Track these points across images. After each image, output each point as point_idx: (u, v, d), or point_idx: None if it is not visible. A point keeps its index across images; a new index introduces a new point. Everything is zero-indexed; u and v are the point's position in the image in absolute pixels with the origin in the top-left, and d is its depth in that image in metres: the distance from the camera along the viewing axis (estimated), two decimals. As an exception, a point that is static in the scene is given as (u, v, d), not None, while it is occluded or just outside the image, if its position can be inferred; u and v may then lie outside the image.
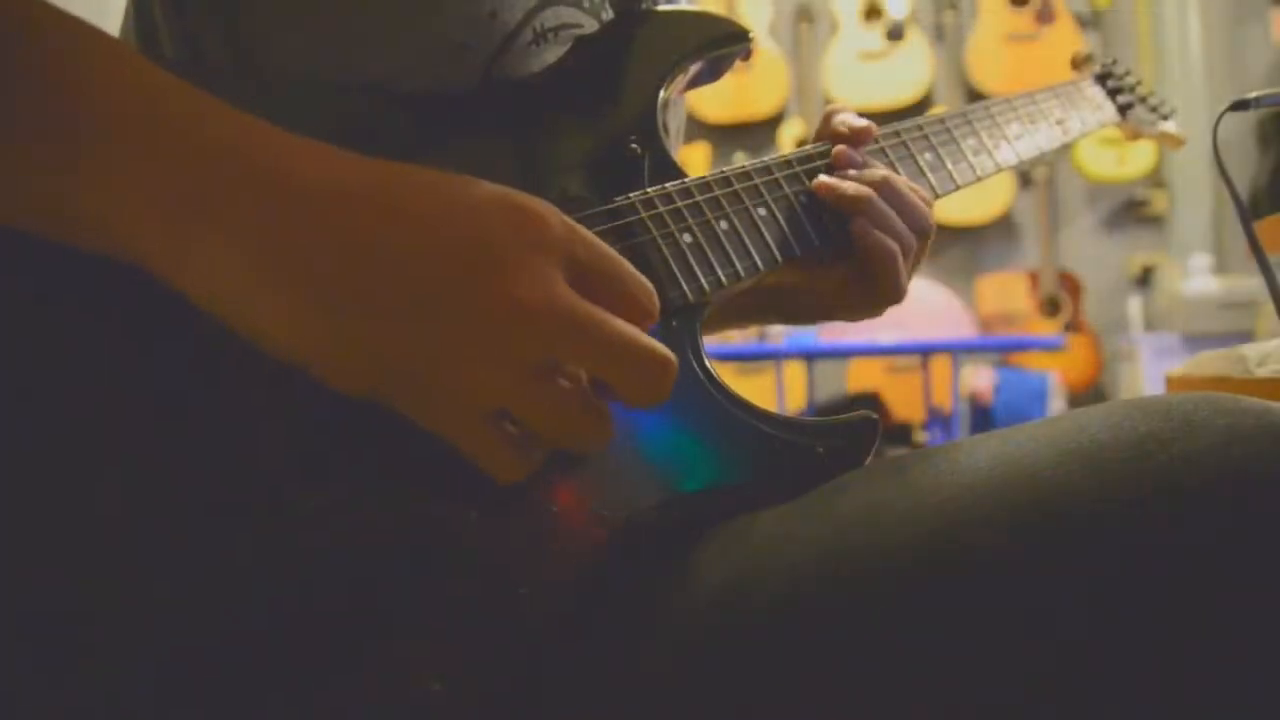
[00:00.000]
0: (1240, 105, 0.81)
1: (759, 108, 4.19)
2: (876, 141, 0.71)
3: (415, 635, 0.43)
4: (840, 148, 0.67)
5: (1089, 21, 4.17)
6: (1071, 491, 0.40)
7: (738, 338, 2.86)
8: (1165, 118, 1.01)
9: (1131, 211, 4.23)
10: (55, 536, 0.41)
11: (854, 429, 0.54)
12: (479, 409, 0.42)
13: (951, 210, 3.98)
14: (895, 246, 0.65)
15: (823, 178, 0.65)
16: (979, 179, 0.77)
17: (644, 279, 0.46)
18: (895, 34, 4.13)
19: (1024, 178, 4.19)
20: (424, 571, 0.44)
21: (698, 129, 4.15)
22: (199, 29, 0.57)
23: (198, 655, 0.41)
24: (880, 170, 0.67)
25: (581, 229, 0.44)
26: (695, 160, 4.06)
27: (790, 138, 4.18)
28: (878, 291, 0.66)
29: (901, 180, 0.68)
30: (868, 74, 4.17)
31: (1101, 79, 0.98)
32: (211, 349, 0.44)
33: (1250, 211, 0.78)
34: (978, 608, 0.40)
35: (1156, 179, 4.15)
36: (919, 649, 0.41)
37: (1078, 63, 0.99)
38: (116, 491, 0.42)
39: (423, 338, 0.41)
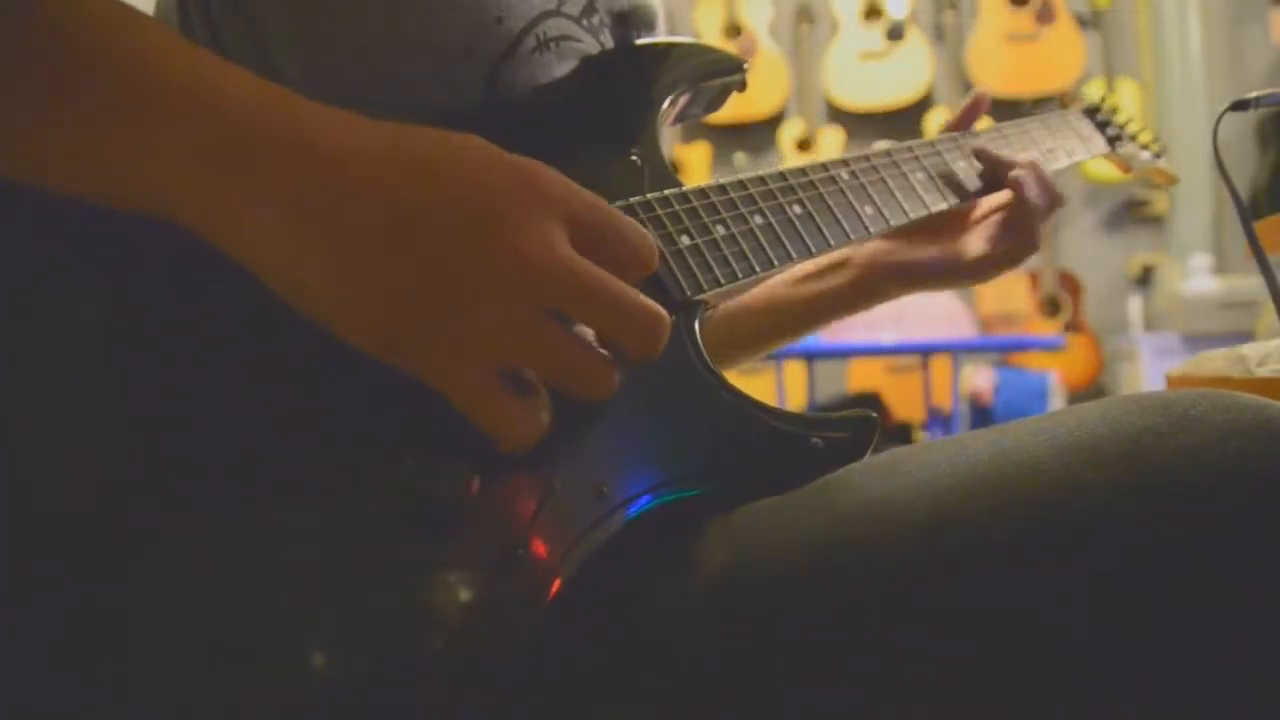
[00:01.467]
0: (1240, 105, 0.81)
1: (759, 108, 4.19)
2: (868, 159, 0.73)
3: (415, 589, 0.43)
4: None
5: (1089, 21, 4.17)
6: (1069, 485, 0.41)
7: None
8: (1157, 156, 1.03)
9: (1131, 211, 4.23)
10: (58, 526, 0.41)
11: (854, 424, 0.55)
12: (486, 362, 0.44)
13: (951, 210, 3.98)
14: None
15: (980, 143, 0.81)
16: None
17: (642, 229, 0.48)
18: (895, 34, 4.13)
19: (1024, 178, 4.18)
20: (425, 530, 0.44)
21: (698, 129, 4.14)
22: (228, 43, 0.60)
23: (201, 624, 0.41)
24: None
25: (581, 189, 0.47)
26: (695, 160, 4.06)
27: (790, 138, 4.18)
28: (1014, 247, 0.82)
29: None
30: (868, 74, 4.17)
31: (1090, 113, 1.00)
32: (221, 328, 0.46)
33: (1250, 211, 0.78)
34: (975, 600, 0.41)
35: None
36: (916, 642, 0.41)
37: (1066, 103, 1.02)
38: (121, 464, 0.43)
39: (434, 282, 0.43)
